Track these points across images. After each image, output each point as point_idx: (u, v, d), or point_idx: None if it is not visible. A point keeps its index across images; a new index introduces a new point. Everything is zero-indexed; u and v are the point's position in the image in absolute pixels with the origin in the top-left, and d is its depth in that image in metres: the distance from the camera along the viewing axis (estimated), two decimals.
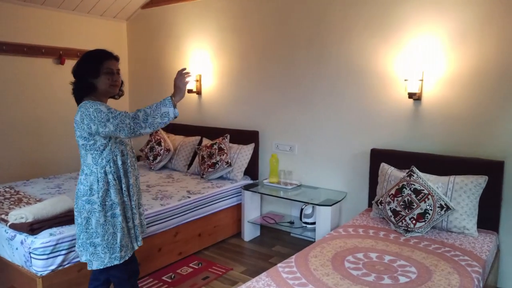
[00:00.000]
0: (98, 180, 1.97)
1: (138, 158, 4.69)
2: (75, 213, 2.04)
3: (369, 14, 3.30)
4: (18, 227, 2.52)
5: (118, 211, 2.01)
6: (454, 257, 2.32)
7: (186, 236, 3.37)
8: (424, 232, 2.65)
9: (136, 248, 2.16)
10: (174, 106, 1.93)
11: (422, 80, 3.07)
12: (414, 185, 2.71)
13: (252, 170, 4.09)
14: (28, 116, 4.40)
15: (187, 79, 2.02)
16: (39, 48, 4.38)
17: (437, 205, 2.62)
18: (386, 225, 2.84)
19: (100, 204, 1.97)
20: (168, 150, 4.36)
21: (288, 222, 3.69)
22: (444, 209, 2.62)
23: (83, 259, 2.04)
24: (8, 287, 2.65)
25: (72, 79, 2.06)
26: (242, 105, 4.23)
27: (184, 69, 2.03)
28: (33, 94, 4.42)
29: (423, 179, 2.71)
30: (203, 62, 4.50)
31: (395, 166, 3.07)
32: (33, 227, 2.47)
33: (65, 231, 2.51)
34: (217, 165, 3.92)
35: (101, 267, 2.02)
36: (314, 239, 3.31)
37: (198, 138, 4.43)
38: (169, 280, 3.00)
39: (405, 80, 3.09)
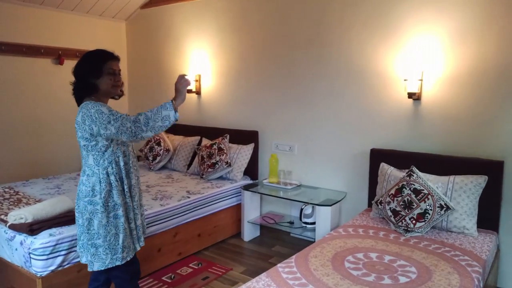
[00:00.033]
0: (100, 181, 1.97)
1: (138, 158, 4.68)
2: (76, 214, 2.03)
3: (368, 14, 3.30)
4: (17, 228, 2.51)
5: (120, 212, 2.01)
6: (454, 257, 2.32)
7: (186, 236, 3.36)
8: (424, 232, 2.65)
9: (138, 249, 2.16)
10: (175, 110, 1.94)
11: (421, 80, 3.07)
12: (414, 185, 2.71)
13: (251, 170, 4.08)
14: (27, 116, 4.39)
15: (187, 79, 2.02)
16: (38, 48, 4.37)
17: (437, 205, 2.62)
18: (386, 225, 2.84)
19: (103, 205, 1.96)
20: (167, 150, 4.36)
21: (288, 222, 3.69)
22: (444, 209, 2.62)
23: (83, 260, 2.04)
24: None
25: (72, 79, 2.06)
26: (241, 105, 4.23)
27: (185, 74, 2.03)
28: (32, 94, 4.41)
29: (423, 179, 2.71)
30: (203, 62, 4.50)
31: (395, 166, 3.07)
32: (33, 228, 2.47)
33: (65, 232, 2.51)
34: (216, 165, 3.92)
35: (102, 268, 2.01)
36: (314, 239, 3.30)
37: (197, 138, 4.42)
38: (169, 281, 2.99)
39: (405, 80, 3.09)
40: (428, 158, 3.00)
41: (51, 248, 2.40)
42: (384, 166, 3.11)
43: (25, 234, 2.46)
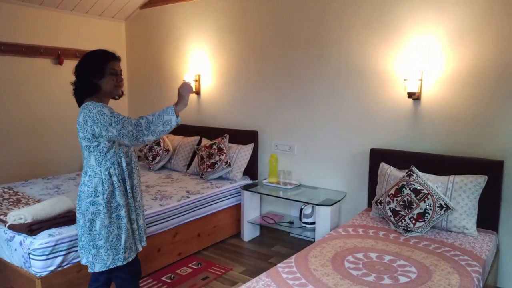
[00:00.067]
0: (102, 182, 1.96)
1: (137, 159, 4.68)
2: (78, 215, 2.02)
3: (368, 14, 3.30)
4: (17, 228, 2.51)
5: (123, 212, 2.00)
6: (454, 256, 2.32)
7: (186, 237, 3.36)
8: (424, 232, 2.65)
9: (140, 249, 2.15)
10: (177, 115, 1.95)
11: (421, 79, 3.07)
12: (414, 184, 2.71)
13: (251, 170, 4.08)
14: (26, 116, 4.38)
15: (190, 86, 2.03)
16: (37, 48, 4.37)
17: (437, 205, 2.62)
18: (386, 225, 2.83)
19: (105, 205, 1.96)
20: (167, 150, 4.36)
21: (287, 222, 3.68)
22: (444, 208, 2.62)
23: (83, 261, 2.03)
24: None
25: (72, 79, 2.05)
26: (241, 105, 4.23)
27: (189, 81, 2.06)
28: (31, 95, 4.41)
29: (422, 179, 2.71)
30: (202, 62, 4.50)
31: (395, 166, 3.07)
32: (32, 228, 2.46)
33: (64, 232, 2.51)
34: (216, 165, 3.91)
35: (104, 269, 2.00)
36: (314, 239, 3.30)
37: (197, 138, 4.42)
38: (169, 281, 2.99)
39: (405, 79, 3.09)
40: (428, 158, 2.99)
41: (50, 248, 2.40)
42: (384, 166, 3.11)
43: (24, 235, 2.46)
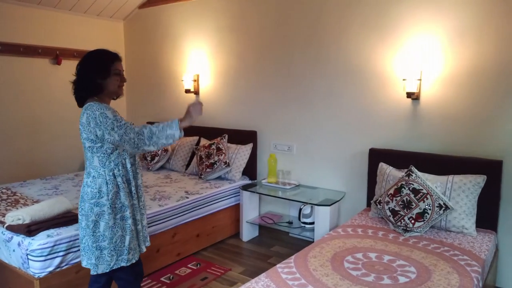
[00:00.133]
0: (107, 183, 1.95)
1: None
2: (80, 217, 2.00)
3: (366, 14, 3.30)
4: (15, 229, 2.50)
5: (128, 213, 1.99)
6: (453, 256, 2.32)
7: (185, 237, 3.35)
8: (423, 232, 2.65)
9: (144, 250, 2.14)
10: (180, 130, 1.96)
11: (420, 79, 3.07)
12: (413, 184, 2.70)
13: (250, 170, 4.08)
14: (24, 116, 4.37)
15: (201, 108, 2.06)
16: (35, 48, 4.36)
17: (436, 205, 2.62)
18: (385, 225, 2.83)
19: (110, 206, 1.94)
20: (166, 150, 4.35)
21: (286, 222, 3.68)
22: (443, 208, 2.62)
23: (84, 263, 2.01)
24: None
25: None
26: (240, 105, 4.22)
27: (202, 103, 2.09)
28: (29, 95, 4.39)
29: (421, 179, 2.71)
30: (201, 62, 4.49)
31: (394, 166, 3.07)
32: (31, 229, 2.45)
33: (63, 233, 2.50)
34: (215, 165, 3.91)
35: (107, 270, 1.99)
36: (313, 239, 3.30)
37: (196, 138, 4.41)
38: (168, 281, 2.98)
39: (404, 79, 3.09)
40: (427, 157, 2.99)
41: (49, 249, 2.39)
42: (383, 166, 3.11)
43: (22, 235, 2.45)
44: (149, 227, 2.98)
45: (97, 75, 1.96)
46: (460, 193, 2.68)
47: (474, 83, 2.87)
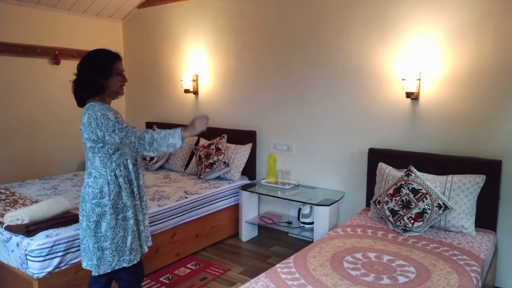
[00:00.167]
0: (108, 183, 1.94)
1: None
2: (80, 217, 1.99)
3: (366, 14, 3.30)
4: (14, 229, 2.49)
5: (130, 213, 1.98)
6: (453, 256, 2.32)
7: (184, 237, 3.35)
8: (422, 232, 2.65)
9: (146, 250, 2.14)
10: (182, 140, 1.98)
11: (419, 79, 3.07)
12: (412, 184, 2.70)
13: (249, 170, 4.07)
14: (23, 116, 4.36)
15: (206, 123, 2.08)
16: (34, 48, 4.35)
17: (435, 205, 2.62)
18: (384, 225, 2.83)
19: (112, 206, 1.93)
20: None
21: (286, 222, 3.68)
22: (442, 208, 2.62)
23: (84, 265, 2.00)
24: None
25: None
26: (239, 105, 4.22)
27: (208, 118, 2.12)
28: (28, 95, 4.39)
29: (421, 179, 2.71)
30: (200, 62, 4.49)
31: (393, 166, 3.07)
32: (29, 229, 2.45)
33: (62, 233, 2.49)
34: (214, 165, 3.90)
35: (109, 271, 1.98)
36: (312, 239, 3.30)
37: (195, 138, 4.41)
38: (167, 281, 2.98)
39: (403, 79, 3.09)
40: (426, 157, 2.99)
41: (48, 249, 2.38)
42: (382, 166, 3.11)
43: (21, 236, 2.44)
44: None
45: (99, 75, 1.95)
46: (460, 193, 2.68)
47: (473, 83, 2.87)
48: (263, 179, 3.95)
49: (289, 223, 3.66)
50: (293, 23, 3.72)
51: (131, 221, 1.99)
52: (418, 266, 2.19)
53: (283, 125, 3.91)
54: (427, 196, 2.65)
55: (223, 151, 3.93)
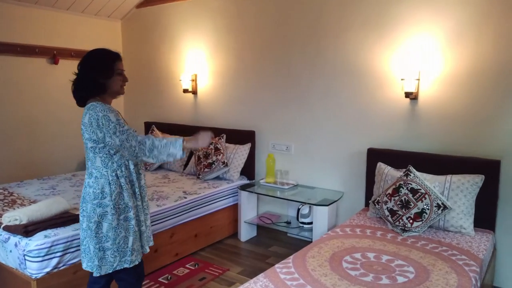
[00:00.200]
0: (110, 183, 1.93)
1: None
2: (81, 218, 1.98)
3: (365, 14, 3.29)
4: (12, 229, 2.49)
5: (131, 214, 1.98)
6: (452, 256, 2.32)
7: (183, 237, 3.34)
8: (421, 232, 2.65)
9: (148, 250, 2.13)
10: (183, 150, 1.96)
11: (418, 79, 3.07)
12: (411, 184, 2.71)
13: (248, 170, 4.07)
14: (21, 116, 4.35)
15: (210, 140, 2.06)
16: (32, 48, 4.34)
17: (434, 205, 2.62)
18: (383, 225, 2.83)
19: (113, 207, 1.92)
20: None
21: (284, 222, 3.68)
22: (441, 208, 2.62)
23: (84, 266, 1.99)
24: None
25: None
26: (238, 105, 4.22)
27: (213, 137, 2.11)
28: (26, 94, 4.37)
29: (420, 179, 2.71)
30: (199, 62, 4.48)
31: (392, 166, 3.07)
32: (28, 229, 2.44)
33: (60, 233, 2.48)
34: (213, 165, 3.90)
35: (110, 271, 1.97)
36: (311, 239, 3.30)
37: None
38: (166, 282, 2.97)
39: (402, 79, 3.09)
40: (425, 157, 3.00)
41: (46, 249, 2.38)
42: (381, 166, 3.11)
43: (20, 236, 2.44)
44: None
45: (100, 75, 1.93)
46: (458, 193, 2.68)
47: (472, 83, 2.88)
48: (262, 179, 3.95)
49: (288, 223, 3.66)
50: (293, 23, 3.72)
51: (133, 222, 1.98)
52: (417, 266, 2.19)
53: (282, 125, 3.91)
54: (426, 196, 2.65)
55: (222, 151, 3.93)
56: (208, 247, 3.63)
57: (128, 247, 1.97)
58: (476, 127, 2.89)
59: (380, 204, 2.84)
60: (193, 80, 4.49)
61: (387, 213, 2.77)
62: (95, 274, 1.97)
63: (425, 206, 2.63)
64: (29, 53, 4.32)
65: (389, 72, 3.23)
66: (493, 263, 2.72)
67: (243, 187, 3.75)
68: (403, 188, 2.73)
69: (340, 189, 3.60)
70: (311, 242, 2.91)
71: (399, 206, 2.71)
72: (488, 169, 2.74)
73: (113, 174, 1.94)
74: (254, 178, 4.12)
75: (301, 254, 2.37)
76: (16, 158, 4.32)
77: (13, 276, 2.49)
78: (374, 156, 3.25)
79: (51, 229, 2.50)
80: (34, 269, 2.35)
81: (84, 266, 1.99)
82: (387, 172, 3.00)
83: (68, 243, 2.48)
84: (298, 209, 3.57)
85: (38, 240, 2.38)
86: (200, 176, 3.97)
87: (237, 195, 3.83)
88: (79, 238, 2.48)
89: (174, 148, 1.93)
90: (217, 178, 4.00)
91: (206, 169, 3.93)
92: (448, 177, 2.76)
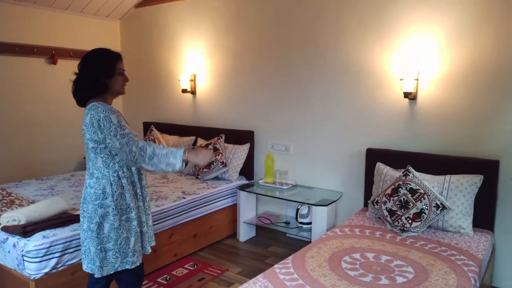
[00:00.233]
0: (111, 184, 1.91)
1: None
2: (81, 219, 1.97)
3: (363, 14, 3.30)
4: (10, 230, 2.48)
5: (133, 215, 1.96)
6: (451, 256, 2.32)
7: (181, 237, 3.34)
8: (420, 232, 2.65)
9: (149, 251, 2.12)
10: (183, 162, 1.92)
11: (417, 79, 3.07)
12: (410, 184, 2.71)
13: (247, 170, 4.07)
14: (19, 116, 4.34)
15: (210, 157, 2.03)
16: (31, 48, 4.33)
17: (433, 205, 2.63)
18: (382, 225, 2.83)
19: (115, 207, 1.91)
20: None
21: (283, 222, 3.68)
22: (440, 208, 2.62)
23: (84, 267, 1.98)
24: None
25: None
26: (237, 105, 4.21)
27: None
28: (25, 94, 4.36)
29: (419, 179, 2.71)
30: (198, 62, 4.48)
31: (391, 166, 3.07)
32: (26, 230, 2.43)
33: (59, 234, 2.48)
34: (212, 165, 3.90)
35: (112, 272, 1.96)
36: (310, 239, 3.30)
37: (192, 138, 4.40)
38: (164, 282, 2.97)
39: (401, 79, 3.09)
40: (424, 157, 3.00)
41: (44, 250, 2.37)
42: (380, 166, 3.11)
43: (18, 236, 2.43)
44: None
45: (102, 75, 1.92)
46: (457, 193, 2.69)
47: (471, 83, 2.88)
48: (261, 179, 3.94)
49: (287, 223, 3.66)
50: (292, 23, 3.72)
51: (134, 222, 1.97)
52: (416, 266, 2.19)
53: (281, 125, 3.90)
54: (425, 196, 2.65)
55: (221, 151, 3.93)
56: (207, 247, 3.62)
57: (130, 248, 1.97)
58: (475, 127, 2.90)
59: (379, 204, 2.84)
60: (192, 80, 4.49)
61: (386, 213, 2.77)
62: (96, 275, 1.95)
63: (424, 206, 2.63)
64: (27, 53, 4.31)
65: (388, 72, 3.23)
66: (492, 263, 2.72)
67: (242, 187, 3.75)
68: (402, 188, 2.73)
69: (339, 189, 3.60)
70: (310, 242, 2.91)
71: (398, 206, 2.71)
72: (487, 169, 2.75)
73: (115, 174, 1.93)
74: (253, 178, 4.12)
75: (300, 254, 2.37)
76: (14, 158, 4.31)
77: (11, 277, 2.48)
78: (373, 156, 3.25)
79: (49, 230, 2.49)
80: (32, 269, 2.34)
81: (84, 267, 1.98)
82: (386, 172, 3.00)
83: (67, 244, 2.47)
84: (297, 209, 3.57)
85: (37, 241, 2.37)
86: (199, 176, 3.97)
87: (236, 195, 3.83)
88: (78, 239, 2.47)
89: (174, 158, 1.90)
90: (216, 178, 4.00)
91: (205, 169, 3.92)
92: (447, 177, 2.76)
